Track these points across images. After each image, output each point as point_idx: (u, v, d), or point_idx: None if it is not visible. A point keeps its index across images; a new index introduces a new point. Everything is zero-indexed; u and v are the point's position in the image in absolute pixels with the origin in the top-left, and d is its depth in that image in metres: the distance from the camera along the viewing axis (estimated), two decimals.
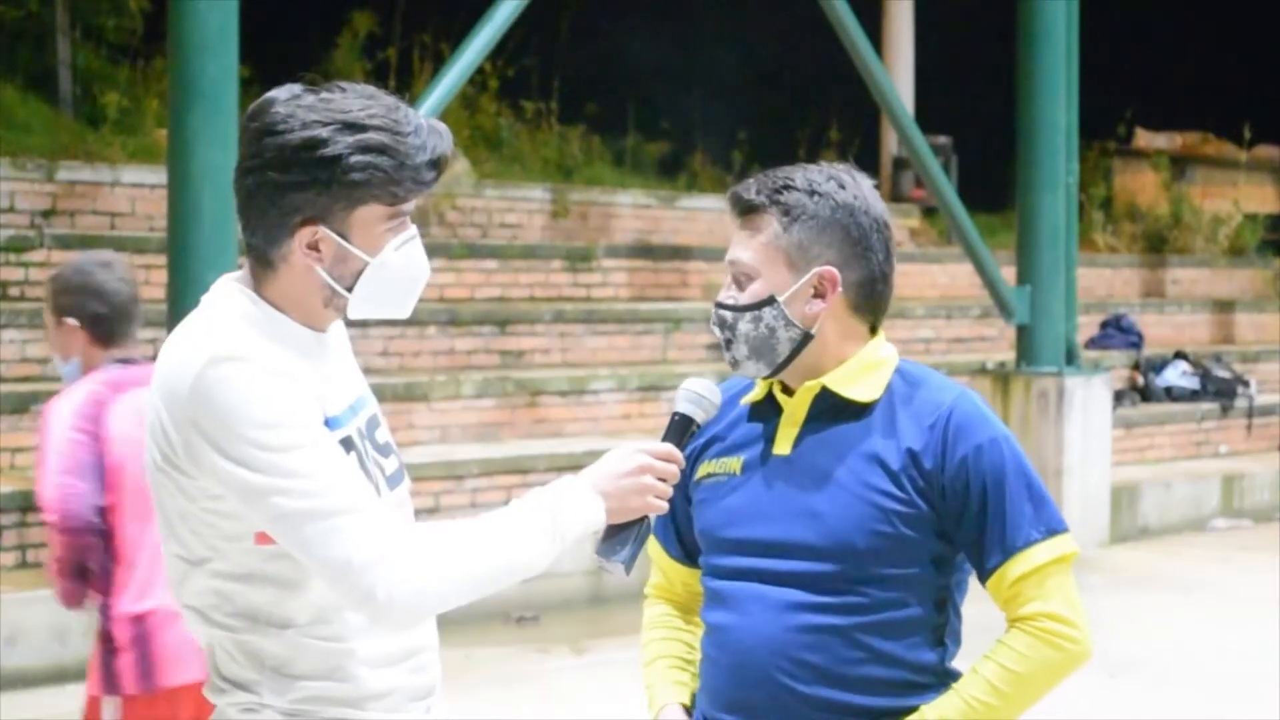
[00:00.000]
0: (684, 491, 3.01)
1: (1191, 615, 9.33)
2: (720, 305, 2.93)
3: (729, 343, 2.92)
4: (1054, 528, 2.87)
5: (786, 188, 2.90)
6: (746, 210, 2.92)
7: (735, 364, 2.93)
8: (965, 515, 2.85)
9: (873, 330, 2.97)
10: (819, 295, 2.90)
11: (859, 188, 2.93)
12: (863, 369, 2.93)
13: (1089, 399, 11.29)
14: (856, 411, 2.91)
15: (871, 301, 2.94)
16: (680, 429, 2.83)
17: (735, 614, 2.89)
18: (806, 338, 2.90)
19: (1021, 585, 2.84)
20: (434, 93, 8.51)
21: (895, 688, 2.85)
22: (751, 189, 2.92)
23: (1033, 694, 2.84)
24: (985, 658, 2.85)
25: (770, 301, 2.89)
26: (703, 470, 3.00)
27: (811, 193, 2.90)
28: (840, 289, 2.90)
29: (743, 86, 17.85)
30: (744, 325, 2.90)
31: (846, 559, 2.83)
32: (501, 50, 11.49)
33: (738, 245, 2.93)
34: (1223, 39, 21.02)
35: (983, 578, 2.89)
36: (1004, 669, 2.82)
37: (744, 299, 2.90)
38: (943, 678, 2.90)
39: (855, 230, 2.90)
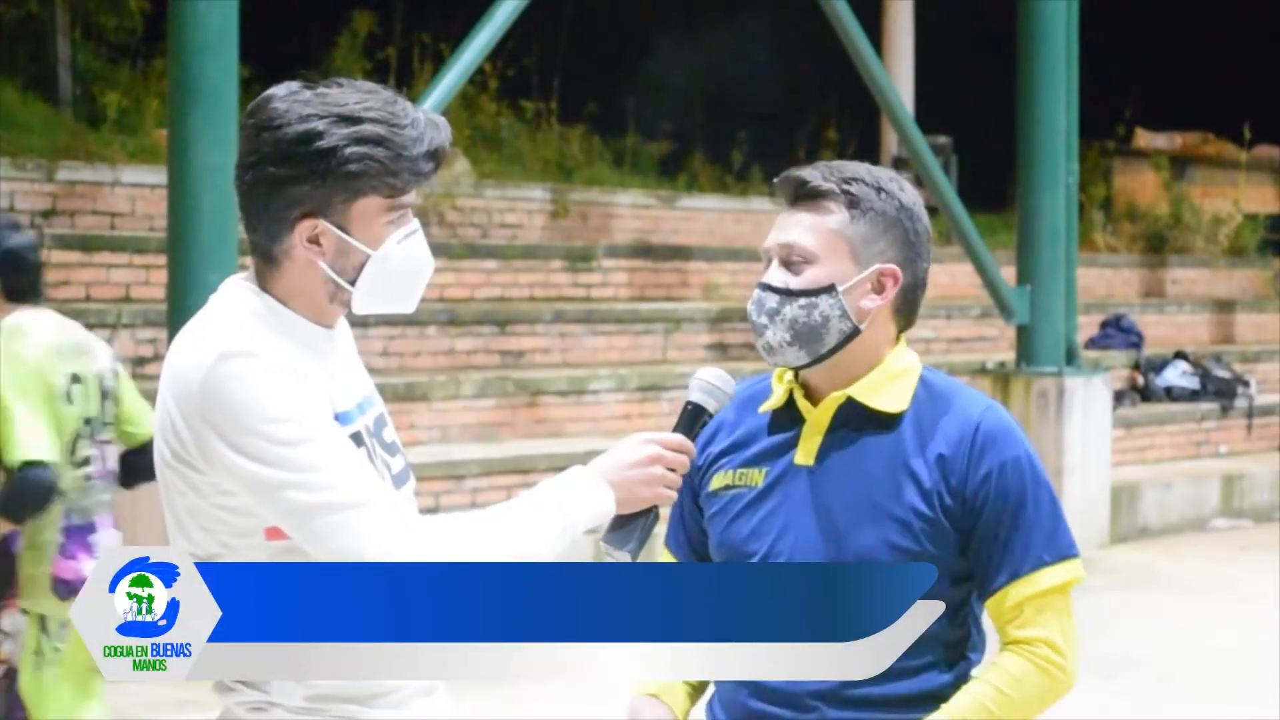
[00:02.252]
0: (694, 500, 2.98)
1: (1191, 615, 9.33)
2: (769, 287, 2.85)
3: (765, 327, 2.84)
4: (1065, 553, 2.85)
5: (855, 179, 2.86)
6: (810, 195, 2.85)
7: (769, 350, 2.86)
8: (980, 531, 2.82)
9: (897, 336, 2.95)
10: (877, 291, 2.87)
11: (915, 195, 2.92)
12: (888, 378, 2.89)
13: (1089, 399, 11.30)
14: (883, 422, 2.86)
15: (910, 308, 2.92)
16: (692, 419, 2.79)
17: None
18: (855, 332, 2.85)
19: (1024, 608, 2.82)
20: (434, 93, 8.52)
21: (917, 703, 2.82)
22: (816, 174, 2.86)
23: (1020, 718, 2.82)
24: (978, 679, 2.83)
25: (830, 289, 2.83)
26: (719, 481, 2.95)
27: (878, 189, 2.86)
28: (897, 289, 2.88)
29: (743, 86, 17.85)
30: (793, 310, 2.83)
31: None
32: (501, 50, 11.50)
33: (793, 228, 2.85)
34: (1223, 39, 21.02)
35: (983, 595, 2.86)
36: (998, 692, 2.79)
37: (799, 283, 2.84)
38: None
39: (913, 234, 2.89)
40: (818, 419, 2.89)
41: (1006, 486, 2.82)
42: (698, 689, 3.05)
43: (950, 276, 14.76)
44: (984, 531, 2.82)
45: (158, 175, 10.49)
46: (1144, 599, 9.79)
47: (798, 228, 2.85)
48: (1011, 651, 2.82)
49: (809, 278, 2.84)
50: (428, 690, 2.73)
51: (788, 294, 2.84)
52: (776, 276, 2.85)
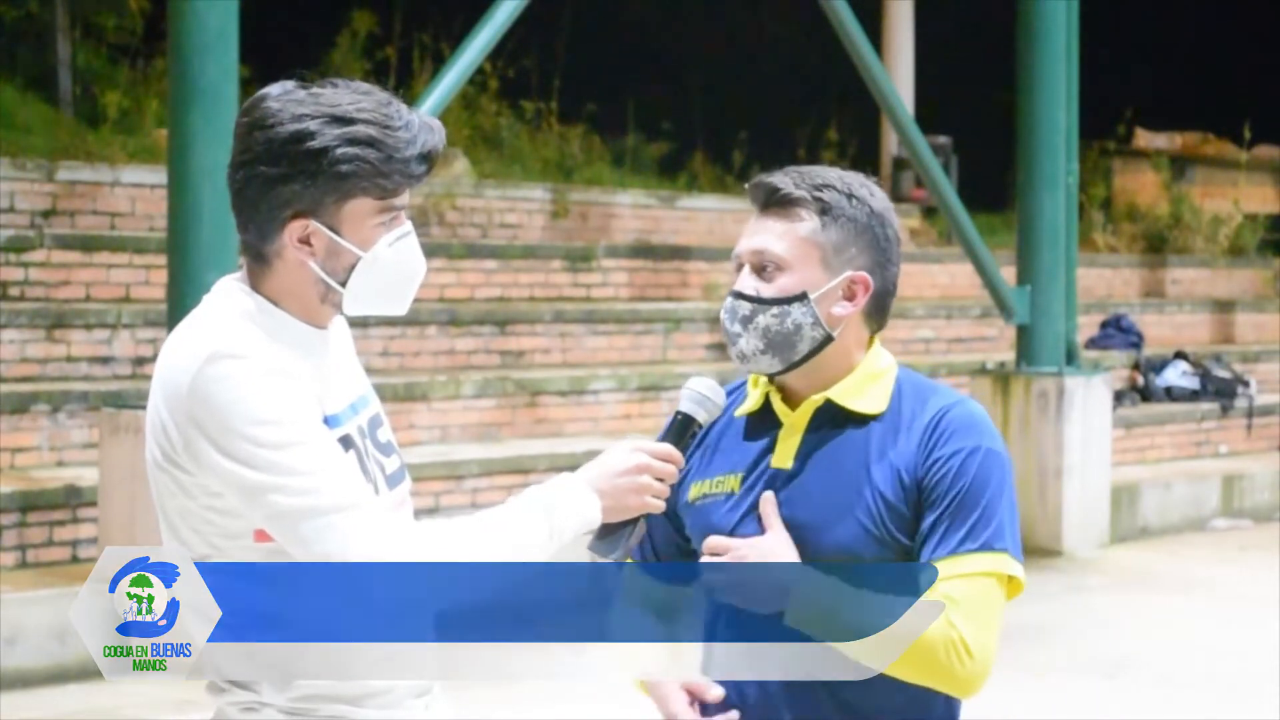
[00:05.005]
0: (671, 516, 2.94)
1: (1191, 615, 9.33)
2: (741, 295, 2.85)
3: (739, 336, 2.84)
4: (992, 544, 2.76)
5: (826, 186, 2.85)
6: (781, 202, 2.85)
7: (744, 358, 2.85)
8: (923, 511, 2.79)
9: (870, 339, 2.94)
10: (848, 298, 2.87)
11: (885, 201, 2.91)
12: (867, 379, 2.89)
13: (1089, 399, 11.29)
14: (861, 423, 2.86)
15: (881, 312, 2.91)
16: (681, 429, 2.79)
17: None
18: (828, 339, 2.85)
19: (937, 589, 2.71)
20: (434, 93, 8.51)
21: (903, 702, 2.80)
22: (788, 181, 2.85)
23: (890, 658, 2.68)
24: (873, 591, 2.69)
25: (801, 298, 2.83)
26: (696, 491, 2.93)
27: (849, 195, 2.85)
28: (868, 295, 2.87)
29: (743, 86, 17.86)
30: (766, 319, 2.83)
31: (850, 575, 2.76)
32: (501, 50, 11.49)
33: (764, 234, 2.85)
34: (1223, 39, 21.02)
35: None
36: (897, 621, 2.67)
37: (771, 292, 2.84)
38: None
39: (883, 240, 2.88)
40: (795, 422, 2.89)
41: (957, 472, 2.77)
42: None
43: (950, 276, 14.75)
44: (925, 510, 2.78)
45: (158, 175, 10.49)
46: (1144, 599, 9.78)
47: (768, 235, 2.85)
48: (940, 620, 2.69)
49: (780, 285, 2.84)
50: (422, 690, 2.73)
51: (760, 302, 2.83)
52: (748, 284, 2.85)
